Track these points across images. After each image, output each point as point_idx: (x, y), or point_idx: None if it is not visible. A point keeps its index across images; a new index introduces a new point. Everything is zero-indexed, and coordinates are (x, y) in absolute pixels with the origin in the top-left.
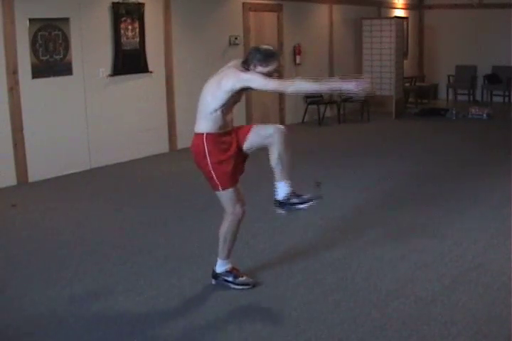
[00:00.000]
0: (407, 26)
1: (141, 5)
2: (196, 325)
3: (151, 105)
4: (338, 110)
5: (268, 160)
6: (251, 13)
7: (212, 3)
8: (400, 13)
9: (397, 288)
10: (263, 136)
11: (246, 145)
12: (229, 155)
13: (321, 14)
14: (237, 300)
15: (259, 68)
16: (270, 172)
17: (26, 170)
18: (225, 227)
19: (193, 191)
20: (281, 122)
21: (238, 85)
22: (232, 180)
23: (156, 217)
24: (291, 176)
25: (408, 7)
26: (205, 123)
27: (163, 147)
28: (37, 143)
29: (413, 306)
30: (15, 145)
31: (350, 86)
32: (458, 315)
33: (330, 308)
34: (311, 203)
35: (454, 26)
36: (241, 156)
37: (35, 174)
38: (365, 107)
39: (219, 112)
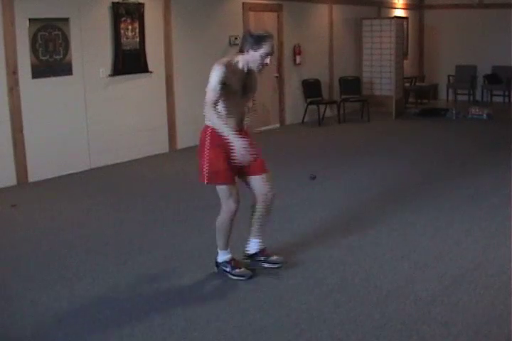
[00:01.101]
0: (407, 26)
1: (141, 5)
2: (196, 325)
3: (151, 105)
4: (338, 110)
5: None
6: (251, 13)
7: (212, 3)
8: (400, 13)
9: (397, 288)
10: (263, 187)
11: (249, 180)
12: (229, 155)
13: (321, 14)
14: (237, 300)
15: (251, 52)
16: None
17: (26, 170)
18: (219, 219)
19: (193, 191)
20: (282, 122)
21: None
22: (226, 177)
23: (156, 217)
24: (264, 235)
25: (408, 7)
26: None
27: (163, 147)
28: (37, 143)
29: (413, 306)
30: (15, 145)
31: (237, 146)
32: (458, 315)
33: (330, 308)
34: (275, 266)
35: (454, 26)
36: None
37: (35, 174)
38: (365, 107)
39: (221, 107)
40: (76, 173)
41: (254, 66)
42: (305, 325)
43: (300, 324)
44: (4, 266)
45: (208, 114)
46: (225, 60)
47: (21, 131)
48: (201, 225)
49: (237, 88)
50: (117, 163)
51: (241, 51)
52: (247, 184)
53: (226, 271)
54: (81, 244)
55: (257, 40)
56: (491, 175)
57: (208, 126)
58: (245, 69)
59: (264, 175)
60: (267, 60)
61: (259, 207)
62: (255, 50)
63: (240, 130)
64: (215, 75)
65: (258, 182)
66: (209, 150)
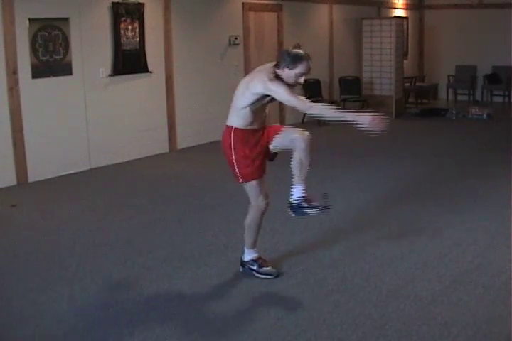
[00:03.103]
0: (407, 26)
1: (141, 5)
2: (195, 325)
3: (151, 105)
4: None
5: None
6: (251, 13)
7: (212, 3)
8: (400, 13)
9: (397, 288)
10: (289, 139)
11: (273, 145)
12: (255, 152)
13: (321, 14)
14: (236, 301)
15: (287, 70)
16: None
17: (26, 170)
18: (249, 218)
19: (193, 191)
20: (281, 122)
21: (263, 92)
22: (254, 173)
23: (156, 217)
24: (306, 182)
25: (408, 7)
26: (235, 118)
27: (163, 147)
28: (37, 143)
29: (413, 306)
30: (15, 145)
31: (365, 121)
32: (458, 315)
33: (330, 308)
34: (318, 211)
35: (454, 26)
36: (267, 154)
37: (35, 174)
38: (365, 107)
39: (248, 110)
40: (76, 173)
41: (287, 83)
42: (305, 325)
43: (300, 324)
44: (4, 266)
45: (314, 108)
46: (269, 72)
47: (21, 131)
48: (201, 225)
49: (268, 98)
50: (117, 163)
51: (277, 66)
52: (278, 146)
53: (252, 270)
54: (81, 244)
55: (294, 60)
56: (491, 175)
57: (231, 127)
58: None
59: (283, 130)
60: (301, 80)
61: (299, 154)
62: (291, 68)
63: (261, 128)
64: (282, 86)
65: (284, 136)
66: (234, 150)
